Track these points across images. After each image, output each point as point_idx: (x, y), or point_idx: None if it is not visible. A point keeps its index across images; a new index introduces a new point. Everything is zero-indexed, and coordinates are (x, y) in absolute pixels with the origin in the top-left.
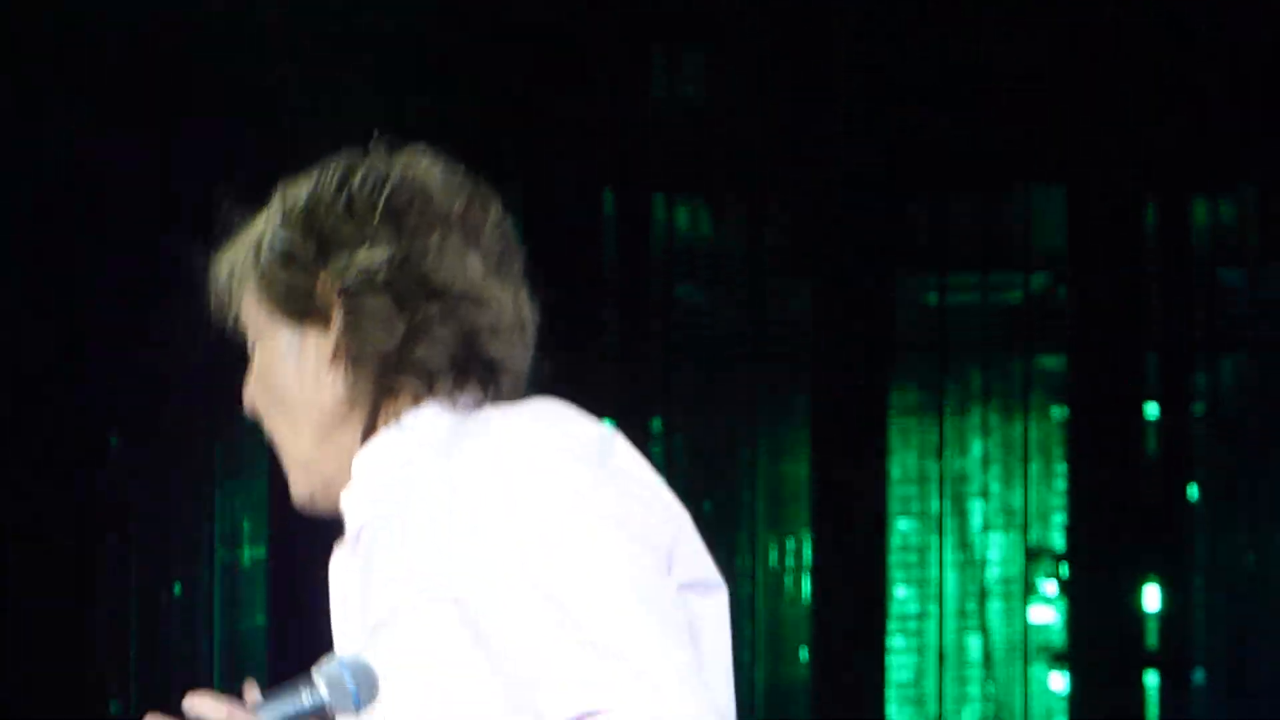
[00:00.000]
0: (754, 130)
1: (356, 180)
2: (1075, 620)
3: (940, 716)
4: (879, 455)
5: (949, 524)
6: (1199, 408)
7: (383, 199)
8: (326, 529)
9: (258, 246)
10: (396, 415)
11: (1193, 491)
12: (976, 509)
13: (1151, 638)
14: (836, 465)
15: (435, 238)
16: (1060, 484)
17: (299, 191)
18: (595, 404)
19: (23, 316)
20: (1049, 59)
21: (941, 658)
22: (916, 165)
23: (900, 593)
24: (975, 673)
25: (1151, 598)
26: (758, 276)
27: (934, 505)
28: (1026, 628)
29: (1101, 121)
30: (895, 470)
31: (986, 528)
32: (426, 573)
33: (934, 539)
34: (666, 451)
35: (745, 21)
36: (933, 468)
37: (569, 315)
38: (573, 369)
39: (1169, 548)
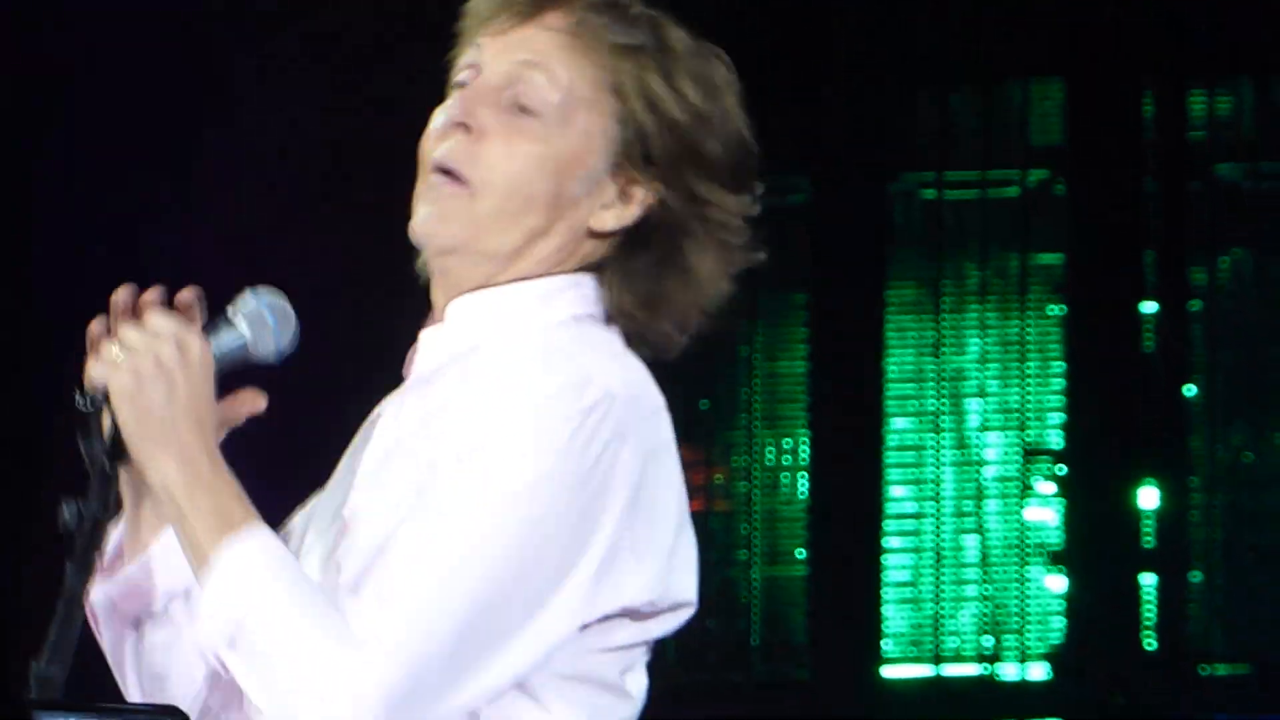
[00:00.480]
0: (754, 27)
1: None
2: (1072, 520)
3: (937, 616)
4: (876, 353)
5: (946, 423)
6: (1196, 305)
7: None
8: None
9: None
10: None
11: (1190, 389)
12: (973, 408)
13: (1148, 538)
14: (833, 364)
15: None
16: (1058, 382)
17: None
18: None
19: None
20: None
21: (938, 558)
22: (913, 62)
23: (897, 492)
24: (972, 573)
25: (1149, 497)
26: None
27: (931, 404)
28: (1023, 528)
29: (1098, 15)
30: (892, 369)
31: (984, 427)
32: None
33: (931, 438)
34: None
35: None
36: (930, 366)
37: None
38: None
39: (1166, 447)
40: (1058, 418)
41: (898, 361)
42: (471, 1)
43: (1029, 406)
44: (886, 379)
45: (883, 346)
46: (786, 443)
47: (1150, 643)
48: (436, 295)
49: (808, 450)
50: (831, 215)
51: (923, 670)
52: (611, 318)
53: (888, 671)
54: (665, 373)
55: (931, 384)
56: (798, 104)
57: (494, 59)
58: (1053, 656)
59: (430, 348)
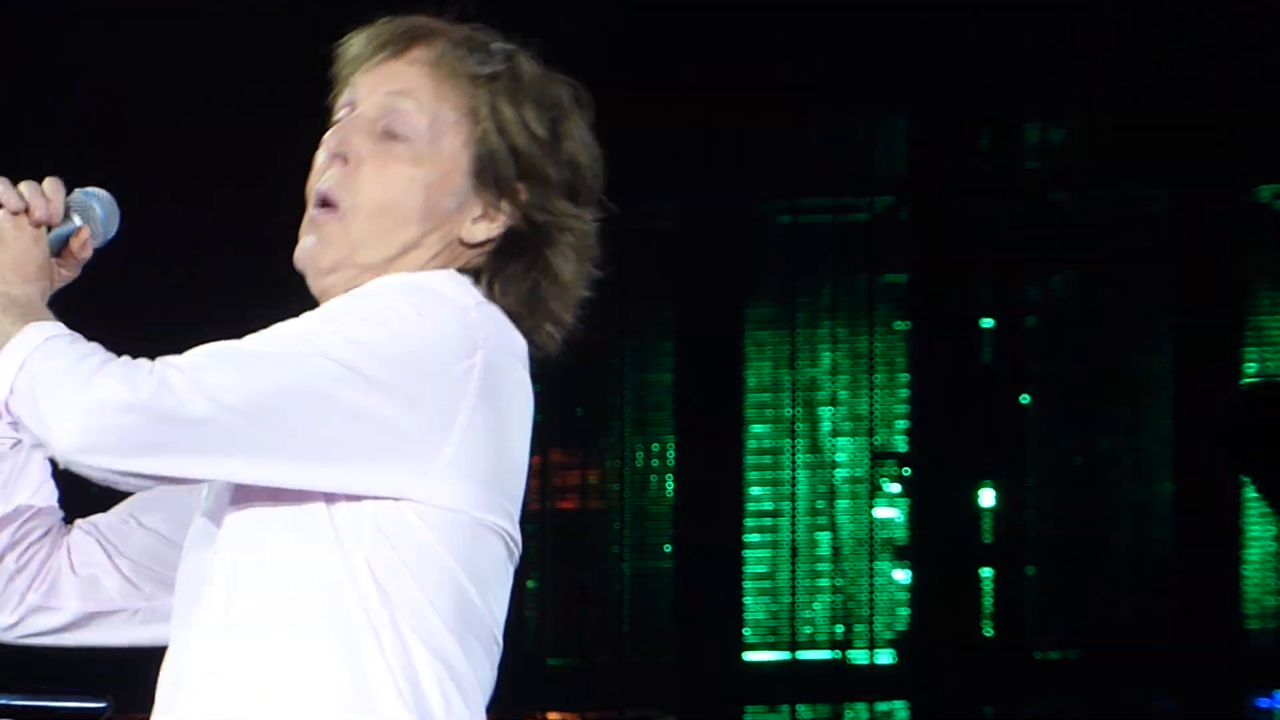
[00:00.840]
0: (624, 66)
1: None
2: (916, 518)
3: (793, 606)
4: (737, 365)
5: (801, 428)
6: (1031, 321)
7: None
8: None
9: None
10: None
11: (1025, 398)
12: (826, 415)
13: (987, 534)
14: (697, 375)
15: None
16: (903, 392)
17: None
18: None
19: None
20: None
21: (794, 552)
22: (771, 100)
23: (756, 492)
24: (825, 566)
25: (987, 497)
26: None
27: (787, 411)
28: (872, 525)
29: (940, 57)
30: (751, 379)
31: (835, 432)
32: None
33: (787, 442)
34: (543, 360)
35: None
36: (786, 377)
37: None
38: None
39: (1003, 451)
40: (903, 424)
41: (756, 372)
42: (345, 44)
43: (877, 414)
44: (746, 388)
45: (742, 359)
46: (655, 447)
47: (988, 630)
48: (311, 290)
49: (674, 454)
50: (695, 238)
51: (780, 655)
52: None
53: (748, 656)
54: (544, 381)
55: (787, 393)
56: (670, 137)
57: (368, 94)
58: (899, 643)
59: None
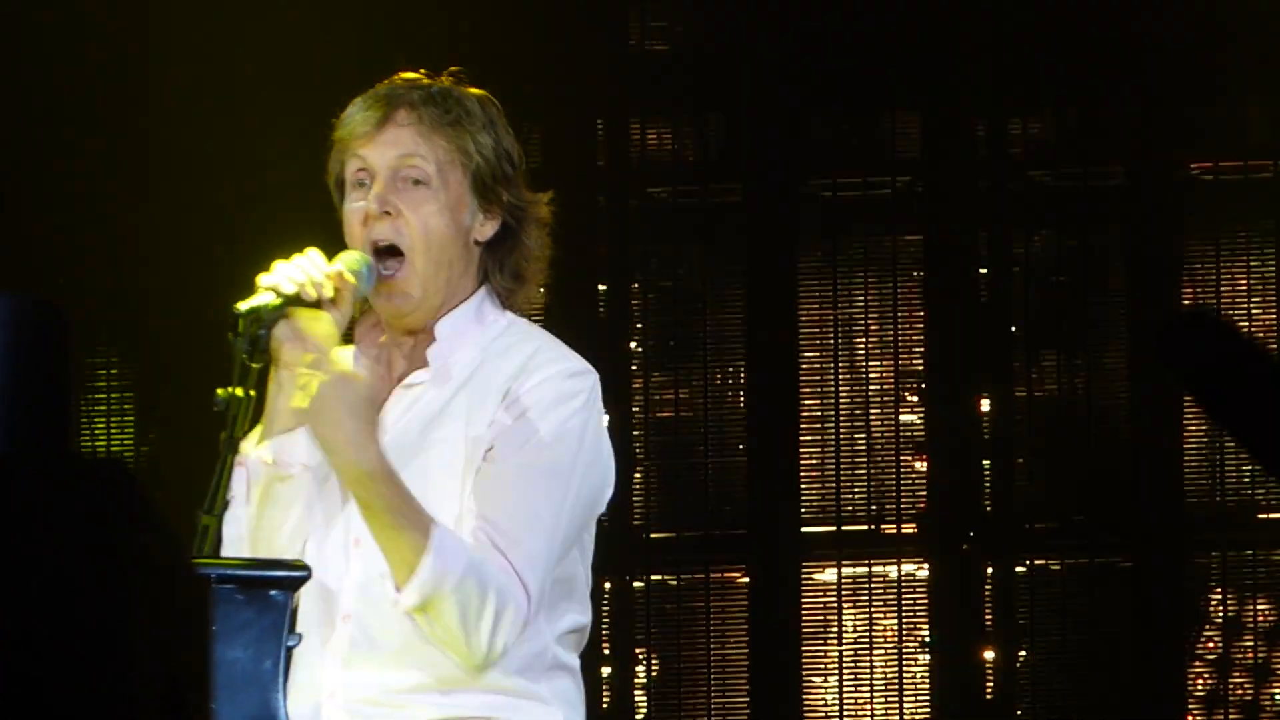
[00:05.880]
0: (709, 74)
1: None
2: (931, 421)
3: (837, 489)
4: (791, 305)
5: (842, 354)
6: (1017, 270)
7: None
8: None
9: (489, 144)
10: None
11: (1013, 329)
12: (861, 343)
13: (986, 433)
14: (762, 313)
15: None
16: (920, 325)
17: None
18: None
19: None
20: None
21: (838, 448)
22: (817, 99)
23: (808, 403)
24: (862, 459)
25: (985, 404)
26: (706, 181)
27: (830, 341)
28: (898, 426)
29: (946, 66)
30: (803, 316)
31: (868, 356)
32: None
33: (831, 365)
34: (643, 308)
35: None
36: (829, 314)
37: None
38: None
39: (998, 369)
40: (920, 350)
41: (806, 311)
42: (342, 120)
43: (900, 342)
44: (799, 323)
45: (796, 300)
46: (730, 369)
47: (988, 507)
48: (397, 322)
49: (744, 374)
50: (759, 209)
51: (828, 527)
52: (501, 299)
53: (805, 529)
54: (644, 321)
55: (831, 326)
56: (738, 131)
57: (378, 158)
58: (919, 517)
59: (434, 353)
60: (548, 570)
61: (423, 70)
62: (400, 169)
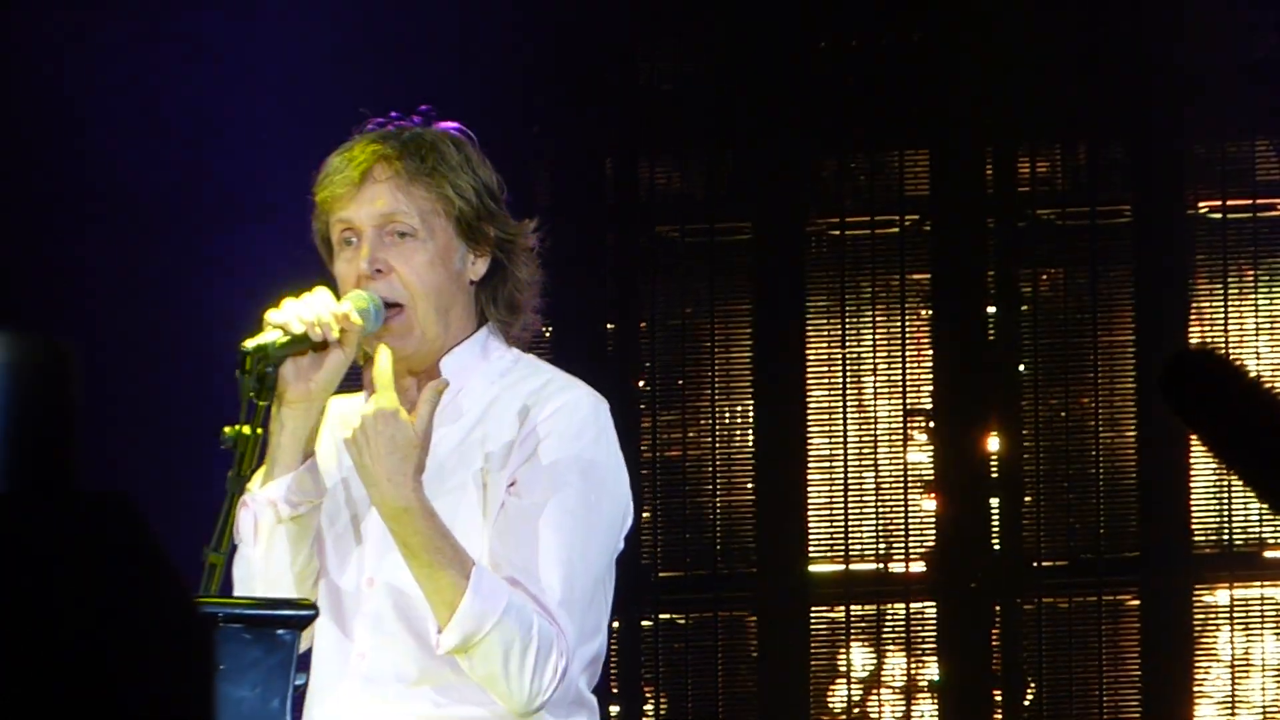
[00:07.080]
0: (724, 113)
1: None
2: (939, 460)
3: (845, 529)
4: (800, 344)
5: (850, 392)
6: (1025, 308)
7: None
8: None
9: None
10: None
11: (1022, 367)
12: (869, 382)
13: (994, 471)
14: (770, 352)
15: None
16: (928, 363)
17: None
18: None
19: None
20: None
21: (846, 488)
22: (825, 138)
23: (816, 442)
24: (870, 498)
25: (993, 443)
26: (716, 219)
27: (839, 379)
28: (906, 465)
29: (954, 107)
30: (811, 355)
31: (876, 395)
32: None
33: (839, 402)
34: (648, 348)
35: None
36: (838, 353)
37: None
38: None
39: (1005, 407)
40: (929, 388)
41: (814, 349)
42: (321, 181)
43: (908, 380)
44: (807, 362)
45: (804, 339)
46: (738, 408)
47: (996, 545)
48: (402, 363)
49: (753, 413)
50: (769, 246)
51: (836, 567)
52: (503, 334)
53: (812, 568)
54: (653, 360)
55: (839, 365)
56: (748, 169)
57: (362, 217)
58: (928, 556)
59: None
60: (585, 611)
61: (391, 112)
62: (385, 225)
